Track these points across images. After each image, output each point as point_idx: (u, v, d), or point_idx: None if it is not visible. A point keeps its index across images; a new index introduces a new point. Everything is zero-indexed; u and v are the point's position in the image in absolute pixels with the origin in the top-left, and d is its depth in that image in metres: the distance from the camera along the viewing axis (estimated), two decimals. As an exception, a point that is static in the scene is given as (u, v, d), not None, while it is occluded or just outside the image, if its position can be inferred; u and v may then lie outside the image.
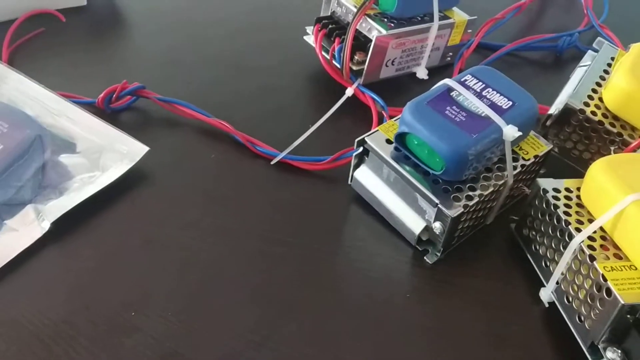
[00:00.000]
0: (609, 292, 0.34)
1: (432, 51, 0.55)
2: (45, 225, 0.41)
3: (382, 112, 0.51)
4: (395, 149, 0.42)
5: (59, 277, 0.40)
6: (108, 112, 0.51)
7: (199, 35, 0.63)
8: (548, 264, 0.40)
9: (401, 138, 0.41)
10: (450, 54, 0.58)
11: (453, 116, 0.40)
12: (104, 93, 0.50)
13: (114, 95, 0.50)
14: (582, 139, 0.45)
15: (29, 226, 0.41)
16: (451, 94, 0.41)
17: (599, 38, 0.51)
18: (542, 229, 0.41)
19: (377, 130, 0.43)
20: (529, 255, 0.42)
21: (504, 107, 0.41)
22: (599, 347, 0.35)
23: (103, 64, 0.58)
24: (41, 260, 0.41)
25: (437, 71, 0.58)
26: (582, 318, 0.36)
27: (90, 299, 0.39)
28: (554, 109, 0.46)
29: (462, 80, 0.43)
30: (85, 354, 0.36)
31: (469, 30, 0.57)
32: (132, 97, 0.51)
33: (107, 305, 0.38)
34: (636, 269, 0.35)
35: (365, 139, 0.43)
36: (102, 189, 0.44)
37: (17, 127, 0.44)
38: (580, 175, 0.41)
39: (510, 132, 0.39)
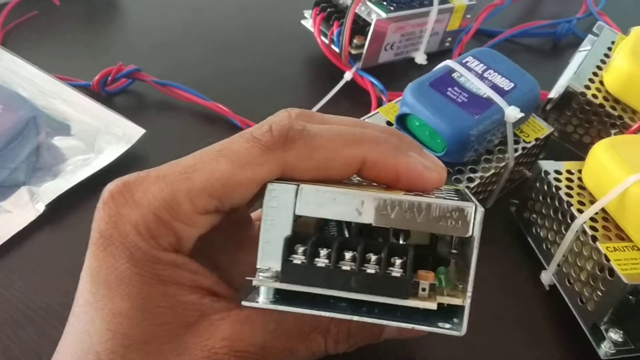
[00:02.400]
0: (611, 272, 0.34)
1: (431, 36, 0.55)
2: (40, 207, 0.41)
3: (381, 96, 0.51)
4: (396, 130, 0.41)
5: (53, 259, 0.39)
6: (103, 95, 0.50)
7: (196, 20, 0.62)
8: (549, 246, 0.40)
9: (402, 120, 0.41)
10: (449, 39, 0.58)
11: (455, 97, 0.39)
12: (99, 75, 0.49)
13: (109, 78, 0.49)
14: (582, 123, 0.45)
15: (23, 208, 0.41)
16: (452, 75, 0.41)
17: (598, 22, 0.51)
18: (543, 211, 0.40)
19: (377, 112, 0.43)
20: (529, 239, 0.42)
21: (505, 88, 0.41)
22: (601, 328, 0.35)
23: (97, 47, 0.57)
24: (35, 242, 0.40)
25: (436, 57, 0.57)
26: (584, 300, 0.36)
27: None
28: (555, 93, 0.46)
29: (464, 61, 0.42)
30: (81, 336, 0.35)
31: (468, 16, 0.57)
32: (128, 80, 0.50)
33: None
34: (639, 249, 0.35)
35: (366, 120, 0.42)
36: (98, 172, 0.43)
37: (11, 108, 0.43)
38: (580, 159, 0.41)
39: (512, 113, 0.39)
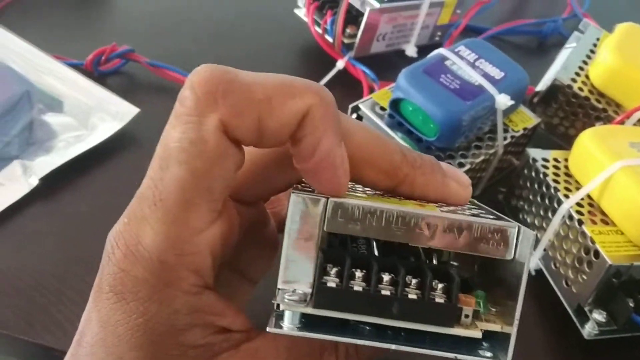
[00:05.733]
0: (597, 254, 0.35)
1: (422, 29, 0.56)
2: (33, 181, 0.41)
3: (373, 85, 0.52)
4: (389, 115, 0.42)
5: (45, 233, 0.39)
6: (96, 75, 0.50)
7: (189, 5, 0.62)
8: (535, 231, 0.41)
9: (395, 104, 0.41)
10: (439, 33, 0.59)
11: (447, 84, 0.40)
12: (93, 55, 0.49)
13: (103, 58, 0.49)
14: (568, 115, 0.47)
15: (16, 181, 0.41)
16: (445, 62, 0.42)
17: (584, 20, 0.53)
18: (531, 197, 0.41)
19: (371, 97, 0.44)
20: (515, 225, 0.43)
21: (496, 77, 0.42)
22: (585, 309, 0.36)
23: (90, 27, 0.57)
24: (28, 215, 0.40)
25: (426, 50, 0.58)
26: (569, 282, 0.37)
27: (78, 255, 0.38)
28: (542, 85, 0.47)
29: (456, 50, 0.43)
30: (71, 306, 0.35)
31: (458, 11, 0.58)
32: (121, 60, 0.50)
33: (95, 262, 0.38)
34: (622, 234, 0.36)
35: (359, 105, 0.43)
36: (91, 149, 0.43)
37: (5, 82, 0.43)
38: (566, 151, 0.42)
39: (503, 100, 0.40)
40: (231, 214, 0.23)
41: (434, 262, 0.23)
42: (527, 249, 0.21)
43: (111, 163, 0.44)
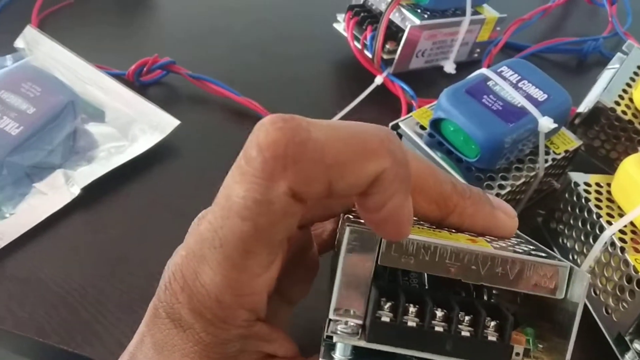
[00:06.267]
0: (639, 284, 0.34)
1: (461, 46, 0.56)
2: (75, 191, 0.41)
3: (412, 102, 0.52)
4: (429, 135, 0.42)
5: (86, 243, 0.40)
6: (137, 85, 0.51)
7: (228, 16, 0.63)
8: (575, 257, 0.40)
9: (436, 124, 0.41)
10: (478, 50, 0.59)
11: (490, 105, 0.40)
12: (135, 65, 0.50)
13: (145, 69, 0.50)
14: (610, 138, 0.46)
15: (58, 190, 0.41)
16: (488, 83, 0.42)
17: (628, 41, 0.52)
18: (571, 222, 0.41)
19: (411, 116, 0.43)
20: (555, 249, 0.42)
21: (539, 99, 0.41)
22: (626, 338, 0.35)
23: (133, 37, 0.58)
24: (70, 224, 0.41)
25: (464, 67, 0.58)
26: (609, 310, 0.37)
27: (118, 266, 0.39)
28: (584, 107, 0.47)
29: (499, 71, 0.43)
30: (111, 319, 0.36)
31: (498, 28, 0.58)
32: (163, 71, 0.51)
33: (136, 274, 0.38)
34: (667, 263, 0.36)
35: (399, 123, 0.43)
36: (131, 159, 0.44)
37: (50, 92, 0.44)
38: (606, 174, 0.42)
39: (546, 123, 0.40)
40: (285, 248, 0.23)
41: (484, 297, 0.23)
42: (581, 291, 0.21)
43: (151, 174, 0.44)
